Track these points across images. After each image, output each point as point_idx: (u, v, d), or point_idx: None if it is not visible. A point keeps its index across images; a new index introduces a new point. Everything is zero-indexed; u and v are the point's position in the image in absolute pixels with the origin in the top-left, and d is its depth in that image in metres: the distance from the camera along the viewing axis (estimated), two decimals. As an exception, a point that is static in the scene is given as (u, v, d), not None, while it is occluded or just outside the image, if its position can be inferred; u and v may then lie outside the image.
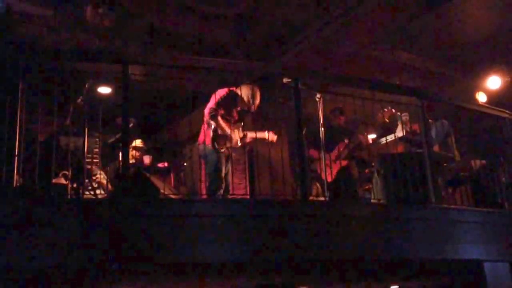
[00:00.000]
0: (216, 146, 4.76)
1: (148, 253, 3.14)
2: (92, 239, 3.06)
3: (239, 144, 5.11)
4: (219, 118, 4.81)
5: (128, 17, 6.00)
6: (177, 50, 6.47)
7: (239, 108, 5.11)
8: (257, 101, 5.02)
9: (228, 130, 4.86)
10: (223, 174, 4.82)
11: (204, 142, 4.86)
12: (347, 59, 6.87)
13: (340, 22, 6.21)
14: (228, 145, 4.84)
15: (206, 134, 4.84)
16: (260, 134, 5.22)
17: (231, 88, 4.94)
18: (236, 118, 5.05)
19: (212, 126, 4.80)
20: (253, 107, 5.02)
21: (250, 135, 5.16)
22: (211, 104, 4.81)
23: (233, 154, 5.01)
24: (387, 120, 5.25)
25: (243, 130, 5.10)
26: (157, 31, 6.35)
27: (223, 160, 4.85)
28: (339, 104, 5.51)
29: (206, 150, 4.80)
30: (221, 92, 4.87)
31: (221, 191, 4.77)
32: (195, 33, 6.47)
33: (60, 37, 5.94)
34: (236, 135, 5.02)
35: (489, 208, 4.67)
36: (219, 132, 4.83)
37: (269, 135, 5.22)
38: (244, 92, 4.95)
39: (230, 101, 4.91)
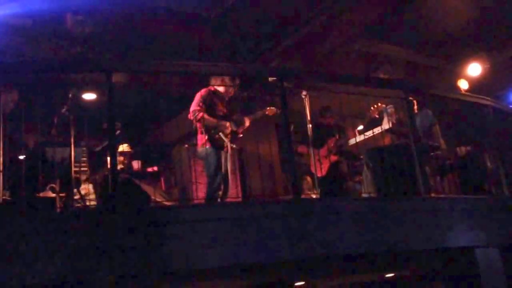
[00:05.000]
0: (216, 138, 4.74)
1: (143, 262, 3.13)
2: (84, 251, 3.04)
3: (240, 135, 5.05)
4: (205, 115, 4.80)
5: (109, 24, 5.94)
6: (160, 54, 6.43)
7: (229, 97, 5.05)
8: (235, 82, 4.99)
9: (217, 122, 4.86)
10: (222, 175, 4.81)
11: (202, 145, 4.85)
12: (330, 54, 6.90)
13: (322, 17, 6.23)
14: (225, 131, 4.82)
15: (204, 138, 4.83)
16: (259, 114, 5.19)
17: (210, 88, 4.96)
18: (225, 111, 5.02)
19: (203, 127, 4.78)
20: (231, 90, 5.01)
21: (248, 119, 5.11)
22: (193, 106, 4.82)
23: (233, 146, 4.97)
24: (377, 116, 5.29)
25: (236, 121, 5.04)
26: (140, 35, 6.31)
27: (223, 160, 4.83)
28: (326, 100, 5.53)
29: (206, 152, 4.79)
30: (202, 92, 4.90)
31: (220, 192, 4.77)
32: (178, 37, 6.44)
33: (40, 46, 5.87)
34: (228, 128, 4.97)
35: (476, 195, 4.74)
36: (211, 126, 4.81)
37: (269, 110, 5.17)
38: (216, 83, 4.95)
39: (212, 97, 4.92)
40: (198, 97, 4.84)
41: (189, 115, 4.85)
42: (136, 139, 7.80)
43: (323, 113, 5.78)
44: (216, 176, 4.76)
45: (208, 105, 4.86)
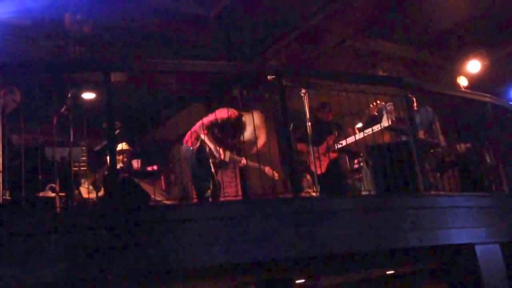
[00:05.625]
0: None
1: (142, 261, 3.13)
2: (84, 251, 3.04)
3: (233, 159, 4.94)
4: (208, 137, 4.71)
5: (108, 23, 5.94)
6: (159, 53, 6.43)
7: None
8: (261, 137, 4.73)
9: (214, 148, 4.74)
10: (210, 174, 4.73)
11: (187, 143, 4.83)
12: (330, 51, 6.90)
13: (320, 15, 6.23)
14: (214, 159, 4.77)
15: (191, 139, 4.79)
16: (253, 164, 5.00)
17: (239, 113, 4.79)
18: (230, 145, 4.88)
19: (198, 144, 4.74)
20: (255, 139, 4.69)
21: (244, 162, 5.00)
22: (206, 120, 4.70)
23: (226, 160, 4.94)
24: (376, 114, 5.29)
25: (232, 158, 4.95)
26: (139, 34, 6.31)
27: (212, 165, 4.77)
28: (325, 98, 5.52)
29: (189, 152, 4.79)
30: (223, 114, 4.72)
31: (209, 192, 4.69)
32: (177, 35, 6.43)
33: (39, 47, 5.87)
34: (226, 156, 4.88)
35: (476, 191, 4.74)
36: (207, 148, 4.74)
37: (267, 170, 5.05)
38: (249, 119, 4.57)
39: (230, 127, 4.76)
40: (217, 115, 4.69)
41: (196, 125, 4.72)
42: (136, 138, 7.80)
43: (321, 108, 5.78)
44: (204, 179, 4.65)
45: (221, 131, 4.75)
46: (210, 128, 4.73)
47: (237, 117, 4.80)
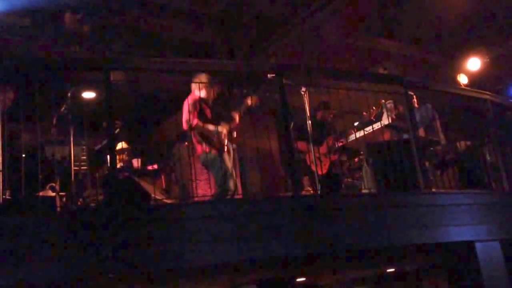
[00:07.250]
0: (211, 145, 4.66)
1: (144, 260, 3.14)
2: (86, 250, 3.05)
3: (234, 133, 4.92)
4: (200, 123, 4.71)
5: (110, 20, 5.94)
6: (161, 51, 6.43)
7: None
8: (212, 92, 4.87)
9: (213, 127, 4.77)
10: (231, 176, 4.68)
11: (204, 151, 4.72)
12: (331, 50, 6.90)
13: (320, 13, 6.23)
14: (222, 136, 4.73)
15: (199, 146, 4.73)
16: (242, 107, 4.95)
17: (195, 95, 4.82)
18: (213, 115, 4.88)
19: (199, 136, 4.70)
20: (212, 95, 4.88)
21: (236, 114, 4.96)
22: (185, 115, 4.70)
23: (233, 147, 4.91)
24: (373, 119, 5.28)
25: (226, 120, 4.93)
26: (140, 33, 6.30)
27: (228, 162, 4.71)
28: (325, 97, 5.51)
29: (209, 157, 4.70)
30: (189, 100, 4.76)
31: (230, 193, 4.63)
32: (179, 34, 6.43)
33: (39, 45, 5.87)
34: (224, 130, 4.85)
35: (476, 189, 4.75)
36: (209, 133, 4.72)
37: (249, 100, 4.93)
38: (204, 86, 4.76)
39: (200, 103, 4.79)
40: (187, 105, 4.71)
41: (183, 126, 4.73)
42: (136, 137, 7.80)
43: (322, 108, 5.77)
44: (227, 179, 4.61)
45: (199, 111, 4.72)
46: (193, 117, 4.65)
47: (195, 96, 4.74)
